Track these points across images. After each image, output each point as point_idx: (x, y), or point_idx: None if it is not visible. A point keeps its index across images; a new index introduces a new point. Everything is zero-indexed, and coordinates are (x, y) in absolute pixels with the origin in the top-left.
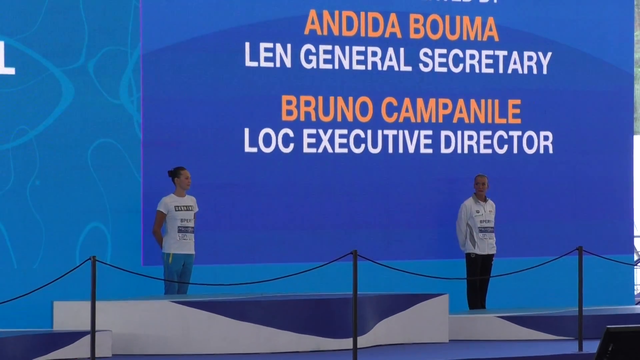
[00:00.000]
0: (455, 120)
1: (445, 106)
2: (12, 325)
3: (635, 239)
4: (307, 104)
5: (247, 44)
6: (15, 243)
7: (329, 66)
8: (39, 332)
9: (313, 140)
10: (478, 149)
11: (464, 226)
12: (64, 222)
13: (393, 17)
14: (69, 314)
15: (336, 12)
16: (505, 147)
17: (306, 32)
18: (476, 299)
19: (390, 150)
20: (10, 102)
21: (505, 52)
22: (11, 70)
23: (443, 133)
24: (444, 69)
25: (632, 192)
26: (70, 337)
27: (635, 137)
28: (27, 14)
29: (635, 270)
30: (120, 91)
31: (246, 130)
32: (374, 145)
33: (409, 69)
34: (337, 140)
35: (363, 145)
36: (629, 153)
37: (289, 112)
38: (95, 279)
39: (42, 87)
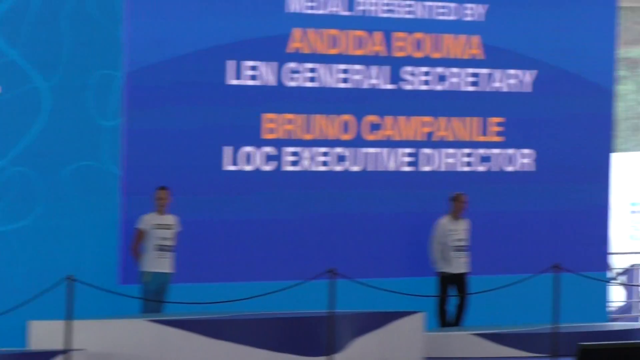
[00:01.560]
0: (436, 138)
1: (426, 124)
2: None
3: (609, 256)
4: (289, 122)
5: (228, 62)
6: None
7: (312, 84)
8: (14, 352)
9: (294, 158)
10: (459, 166)
11: (437, 244)
12: (35, 238)
13: (377, 35)
14: (44, 334)
15: (320, 31)
16: (487, 164)
17: (289, 50)
18: (445, 318)
19: (371, 167)
20: None
21: (489, 70)
22: None
23: (424, 151)
24: (427, 87)
25: (608, 208)
26: (45, 356)
27: (616, 154)
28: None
29: (609, 287)
30: (103, 110)
31: (226, 149)
32: (355, 163)
33: (393, 86)
34: (318, 158)
35: (344, 164)
36: (606, 170)
37: (270, 130)
38: (72, 299)
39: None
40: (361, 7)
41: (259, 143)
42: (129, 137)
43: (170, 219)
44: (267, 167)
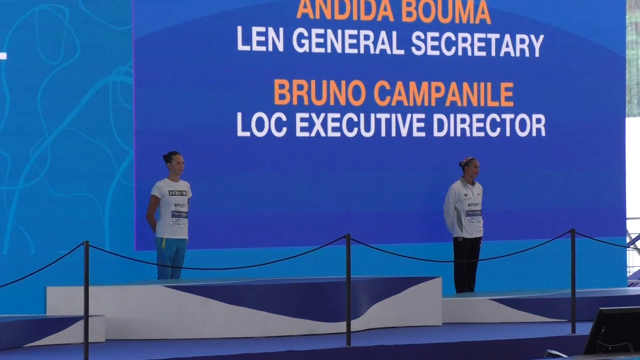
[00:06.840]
0: (447, 104)
1: (437, 89)
2: (5, 310)
3: (627, 221)
4: (300, 87)
5: (239, 28)
6: (3, 229)
7: (322, 50)
8: (32, 318)
9: (306, 124)
10: (471, 132)
11: (452, 209)
12: (55, 210)
13: (385, 0)
14: (62, 300)
15: None
16: (498, 130)
17: (298, 15)
18: (464, 283)
19: (383, 133)
20: None
21: (497, 35)
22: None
23: (436, 116)
24: (437, 52)
25: (624, 174)
26: (64, 322)
27: (627, 119)
28: None
29: (627, 252)
30: (113, 76)
31: (239, 115)
32: (367, 129)
33: (402, 52)
34: (330, 124)
35: (356, 129)
36: (621, 135)
37: (282, 96)
38: (88, 264)
39: None
40: None
41: (272, 109)
42: (138, 102)
43: (183, 185)
44: (279, 134)
